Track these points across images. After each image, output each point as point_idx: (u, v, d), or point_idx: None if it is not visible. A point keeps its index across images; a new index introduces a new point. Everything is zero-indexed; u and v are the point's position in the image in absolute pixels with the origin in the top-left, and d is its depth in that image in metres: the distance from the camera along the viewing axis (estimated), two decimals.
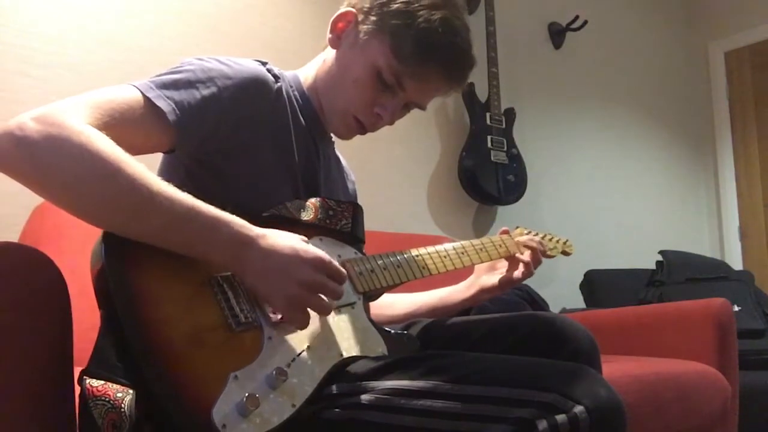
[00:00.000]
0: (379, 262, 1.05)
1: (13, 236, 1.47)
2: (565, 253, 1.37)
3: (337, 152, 1.25)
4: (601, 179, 3.24)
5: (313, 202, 1.02)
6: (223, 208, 0.83)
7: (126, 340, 0.74)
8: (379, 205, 2.33)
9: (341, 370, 0.87)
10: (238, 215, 0.83)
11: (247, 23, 2.11)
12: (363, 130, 1.09)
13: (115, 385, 0.74)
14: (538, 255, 1.22)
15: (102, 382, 0.75)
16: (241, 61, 0.99)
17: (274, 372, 0.78)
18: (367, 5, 1.04)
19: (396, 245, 1.16)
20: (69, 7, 1.75)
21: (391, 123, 1.10)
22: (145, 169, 0.79)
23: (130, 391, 0.73)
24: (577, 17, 3.06)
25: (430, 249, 1.14)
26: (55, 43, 1.72)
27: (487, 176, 2.57)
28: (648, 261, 2.88)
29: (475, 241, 1.21)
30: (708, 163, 3.85)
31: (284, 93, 1.04)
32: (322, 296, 0.85)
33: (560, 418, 0.73)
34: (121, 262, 0.78)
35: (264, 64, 1.03)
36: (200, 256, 0.82)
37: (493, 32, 2.67)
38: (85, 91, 0.85)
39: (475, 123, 2.61)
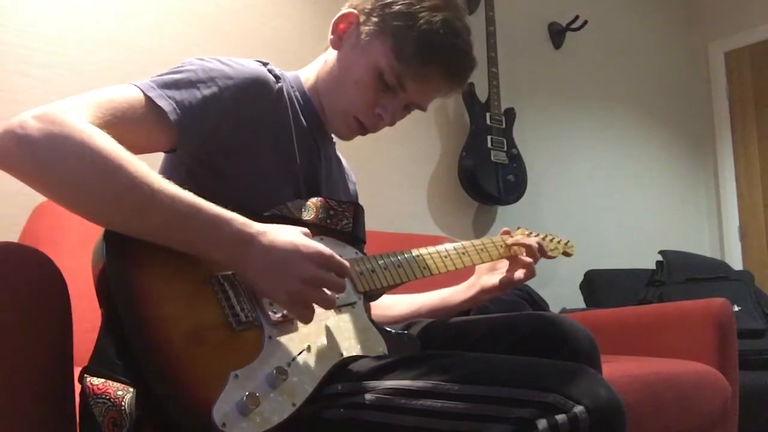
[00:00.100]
0: (380, 262, 1.05)
1: (13, 236, 1.47)
2: (566, 254, 1.37)
3: (338, 153, 1.25)
4: (601, 179, 3.24)
5: (313, 202, 1.02)
6: (225, 207, 0.83)
7: (126, 339, 0.74)
8: (379, 205, 2.33)
9: (342, 369, 0.87)
10: (239, 214, 0.83)
11: (247, 23, 2.11)
12: (364, 130, 1.10)
13: (115, 384, 0.74)
14: (535, 253, 1.21)
15: (102, 380, 0.75)
16: (242, 62, 0.99)
17: (274, 371, 0.79)
18: (369, 6, 1.04)
19: (396, 245, 1.16)
20: (69, 7, 1.75)
21: (392, 124, 1.10)
22: (147, 167, 0.79)
23: (131, 390, 0.74)
24: (577, 17, 3.06)
25: (431, 249, 1.14)
26: (55, 43, 1.72)
27: (487, 176, 2.58)
28: (648, 261, 2.89)
29: (476, 242, 1.21)
30: (708, 163, 3.85)
31: (285, 93, 1.04)
32: (325, 290, 0.85)
33: (560, 418, 0.73)
34: (122, 260, 0.78)
35: (265, 64, 1.03)
36: (201, 254, 0.82)
37: (493, 32, 2.67)
38: (85, 91, 0.85)
39: (475, 123, 2.61)
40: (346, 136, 1.12)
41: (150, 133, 0.88)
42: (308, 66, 1.15)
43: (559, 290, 2.76)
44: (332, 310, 0.93)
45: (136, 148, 0.82)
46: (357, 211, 1.06)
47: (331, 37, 1.08)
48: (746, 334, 2.24)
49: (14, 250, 0.81)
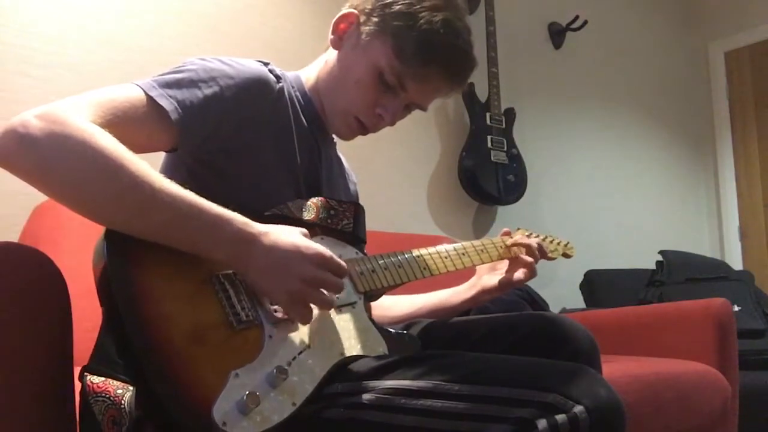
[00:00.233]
0: (380, 262, 1.05)
1: (13, 236, 1.47)
2: (566, 255, 1.37)
3: (339, 153, 1.25)
4: (601, 179, 3.24)
5: (314, 201, 1.02)
6: (225, 207, 0.83)
7: (127, 337, 0.74)
8: (380, 205, 2.33)
9: (342, 369, 0.87)
10: (239, 214, 0.84)
11: (247, 23, 2.11)
12: (364, 130, 1.10)
13: (115, 382, 0.75)
14: (535, 253, 1.21)
15: (102, 378, 0.75)
16: (243, 62, 0.99)
17: (274, 370, 0.79)
18: (369, 6, 1.05)
19: (396, 245, 1.16)
20: (69, 7, 1.75)
21: (393, 124, 1.10)
22: (148, 166, 0.79)
23: (131, 388, 0.74)
24: (577, 17, 3.06)
25: (431, 249, 1.14)
26: (55, 43, 1.72)
27: (487, 176, 2.58)
28: (648, 261, 2.89)
29: (477, 242, 1.21)
30: (708, 163, 3.85)
31: (286, 93, 1.04)
32: (324, 291, 0.85)
33: (560, 417, 0.73)
34: (123, 259, 0.78)
35: (266, 64, 1.03)
36: (202, 253, 0.82)
37: (493, 32, 2.67)
38: (85, 91, 0.85)
39: (475, 123, 2.61)
40: (347, 136, 1.12)
41: (151, 132, 0.88)
42: (309, 66, 1.15)
43: (559, 290, 2.76)
44: (333, 311, 0.93)
45: (138, 148, 0.82)
46: (357, 211, 1.06)
47: (332, 37, 1.09)
48: (746, 334, 2.24)
49: (14, 250, 0.82)
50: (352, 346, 0.92)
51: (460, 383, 0.79)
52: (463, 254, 1.18)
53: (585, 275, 2.83)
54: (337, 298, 0.91)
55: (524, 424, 0.74)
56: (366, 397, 0.82)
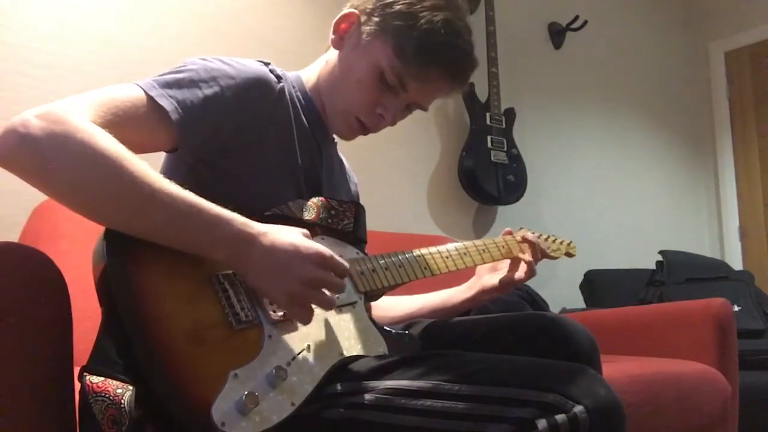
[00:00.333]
0: (381, 261, 1.05)
1: (13, 236, 1.47)
2: (568, 254, 1.37)
3: (340, 154, 1.25)
4: (601, 179, 3.24)
5: (315, 201, 1.02)
6: (225, 207, 0.83)
7: (126, 337, 0.74)
8: (380, 205, 2.33)
9: (342, 369, 0.87)
10: (239, 214, 0.84)
11: (247, 23, 2.11)
12: (365, 130, 1.10)
13: (114, 382, 0.75)
14: (537, 252, 1.21)
15: (102, 378, 0.75)
16: (244, 62, 0.99)
17: (273, 371, 0.79)
18: (370, 6, 1.05)
19: (396, 245, 1.16)
20: (69, 7, 1.75)
21: (393, 124, 1.10)
22: (147, 166, 0.79)
23: (130, 388, 0.74)
24: (577, 17, 3.06)
25: (432, 249, 1.14)
26: (55, 43, 1.72)
27: (487, 176, 2.58)
28: (648, 261, 2.89)
29: (478, 242, 1.21)
30: (708, 163, 3.85)
31: (287, 94, 1.04)
32: (325, 291, 0.85)
33: (560, 417, 0.73)
34: (123, 259, 0.78)
35: (267, 64, 1.03)
36: (202, 253, 0.82)
37: (493, 32, 2.67)
38: (85, 91, 0.85)
39: (475, 123, 2.61)
40: (348, 136, 1.12)
41: (151, 132, 0.88)
42: (310, 66, 1.15)
43: (559, 290, 2.76)
44: (333, 310, 0.93)
45: (138, 148, 0.82)
46: (358, 211, 1.06)
47: (333, 37, 1.09)
48: (746, 334, 2.24)
49: (14, 250, 0.81)
50: (351, 346, 0.92)
51: (460, 383, 0.79)
52: (464, 254, 1.18)
53: (585, 275, 2.83)
54: (338, 298, 0.91)
55: (524, 424, 0.74)
56: (366, 397, 0.82)
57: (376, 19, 1.04)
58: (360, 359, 0.89)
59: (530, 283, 1.44)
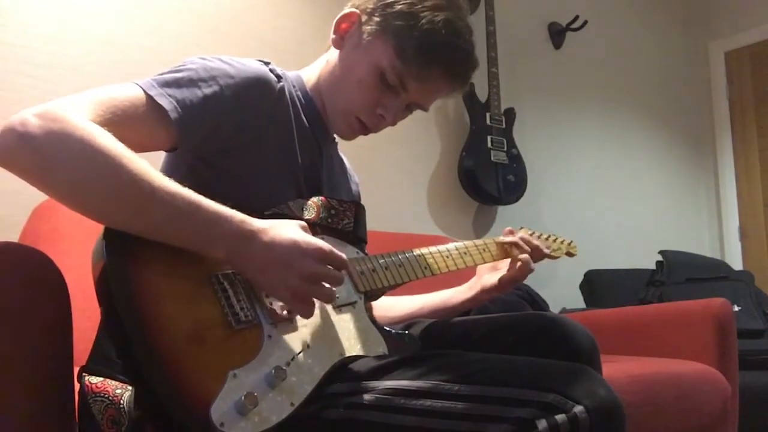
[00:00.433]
0: (381, 261, 1.05)
1: (13, 236, 1.47)
2: (569, 254, 1.37)
3: (341, 153, 1.25)
4: (601, 179, 3.24)
5: (315, 201, 1.02)
6: (224, 205, 0.83)
7: (126, 337, 0.74)
8: (380, 205, 2.33)
9: (341, 369, 0.87)
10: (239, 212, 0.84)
11: (247, 23, 2.11)
12: (365, 130, 1.10)
13: (114, 382, 0.75)
14: (525, 248, 1.21)
15: (101, 378, 0.75)
16: (244, 61, 0.99)
17: (273, 371, 0.78)
18: (371, 6, 1.04)
19: (396, 245, 1.16)
20: (69, 7, 1.75)
21: (394, 124, 1.10)
22: (147, 164, 0.79)
23: (129, 388, 0.74)
24: (577, 17, 3.06)
25: (432, 249, 1.14)
26: (55, 43, 1.72)
27: (487, 176, 2.57)
28: (648, 261, 2.89)
29: (478, 241, 1.21)
30: (708, 163, 3.85)
31: (287, 93, 1.04)
32: (325, 284, 0.85)
33: (560, 418, 0.73)
34: (122, 259, 0.78)
35: (267, 64, 1.03)
36: (201, 250, 0.82)
37: (493, 32, 2.67)
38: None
39: (475, 123, 2.61)
40: (348, 136, 1.12)
41: (151, 131, 0.88)
42: (310, 66, 1.15)
43: (559, 290, 2.76)
44: (333, 310, 0.93)
45: (137, 147, 0.82)
46: (358, 211, 1.06)
47: (333, 36, 1.09)
48: (746, 334, 2.24)
49: (14, 250, 0.81)
50: (351, 346, 0.91)
51: (460, 383, 0.79)
52: (465, 253, 1.18)
53: (585, 275, 2.83)
54: (337, 297, 0.91)
55: (524, 424, 0.74)
56: (365, 397, 0.82)
57: (377, 18, 1.03)
58: (360, 359, 0.89)
59: (530, 283, 1.44)
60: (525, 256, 1.20)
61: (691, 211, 3.72)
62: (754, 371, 2.12)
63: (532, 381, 0.77)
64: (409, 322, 1.20)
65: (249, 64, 0.99)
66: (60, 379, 0.82)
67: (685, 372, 1.65)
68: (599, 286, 2.76)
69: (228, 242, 0.82)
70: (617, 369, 1.50)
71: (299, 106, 1.07)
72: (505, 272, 1.22)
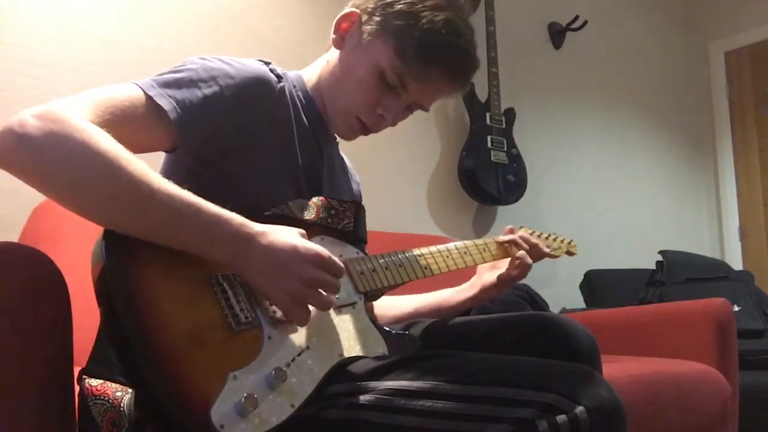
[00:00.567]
0: (381, 261, 1.05)
1: (13, 236, 1.47)
2: (569, 252, 1.37)
3: (342, 153, 1.24)
4: (601, 179, 3.24)
5: (315, 201, 1.02)
6: (224, 207, 0.83)
7: (125, 339, 0.74)
8: (380, 205, 2.33)
9: (341, 370, 0.87)
10: (239, 214, 0.83)
11: (247, 23, 2.11)
12: (366, 130, 1.10)
13: (114, 384, 0.74)
14: (523, 245, 1.21)
15: (101, 381, 0.75)
16: (244, 61, 0.99)
17: (273, 372, 0.78)
18: (371, 6, 1.04)
19: (396, 245, 1.16)
20: (69, 7, 1.75)
21: (394, 124, 1.10)
22: (146, 166, 0.79)
23: (129, 390, 0.73)
24: (577, 17, 3.06)
25: (432, 249, 1.14)
26: (55, 43, 1.72)
27: (487, 176, 2.57)
28: (648, 261, 2.88)
29: (478, 241, 1.21)
30: (708, 163, 3.85)
31: (287, 93, 1.04)
32: (322, 291, 0.85)
33: (561, 418, 0.73)
34: (122, 260, 0.78)
35: (267, 64, 1.03)
36: (200, 252, 0.82)
37: (493, 32, 2.67)
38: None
39: (475, 123, 2.61)
40: (348, 136, 1.12)
41: (150, 132, 0.88)
42: (311, 66, 1.15)
43: (559, 290, 2.76)
44: (333, 311, 0.93)
45: (137, 147, 0.82)
46: (358, 211, 1.06)
47: (334, 36, 1.08)
48: (746, 334, 2.24)
49: (14, 250, 0.81)
50: (351, 347, 0.91)
51: (460, 384, 0.79)
52: (465, 253, 1.18)
53: (585, 275, 2.82)
54: (337, 298, 0.91)
55: (524, 424, 0.74)
56: (365, 397, 0.81)
57: (377, 18, 1.03)
58: (360, 360, 0.89)
59: (530, 283, 1.44)
60: (522, 252, 1.20)
61: (691, 211, 3.72)
62: (754, 371, 2.11)
63: (532, 381, 0.77)
64: (409, 321, 1.20)
65: (249, 64, 0.99)
66: (60, 379, 0.82)
67: (685, 372, 1.65)
68: (599, 286, 2.76)
69: (227, 244, 0.81)
70: (617, 369, 1.50)
71: (300, 106, 1.07)
72: (503, 271, 1.22)
